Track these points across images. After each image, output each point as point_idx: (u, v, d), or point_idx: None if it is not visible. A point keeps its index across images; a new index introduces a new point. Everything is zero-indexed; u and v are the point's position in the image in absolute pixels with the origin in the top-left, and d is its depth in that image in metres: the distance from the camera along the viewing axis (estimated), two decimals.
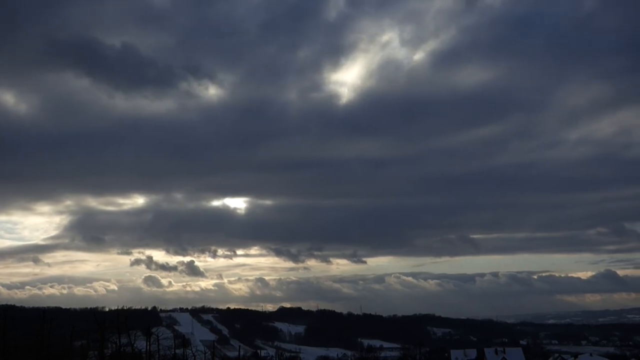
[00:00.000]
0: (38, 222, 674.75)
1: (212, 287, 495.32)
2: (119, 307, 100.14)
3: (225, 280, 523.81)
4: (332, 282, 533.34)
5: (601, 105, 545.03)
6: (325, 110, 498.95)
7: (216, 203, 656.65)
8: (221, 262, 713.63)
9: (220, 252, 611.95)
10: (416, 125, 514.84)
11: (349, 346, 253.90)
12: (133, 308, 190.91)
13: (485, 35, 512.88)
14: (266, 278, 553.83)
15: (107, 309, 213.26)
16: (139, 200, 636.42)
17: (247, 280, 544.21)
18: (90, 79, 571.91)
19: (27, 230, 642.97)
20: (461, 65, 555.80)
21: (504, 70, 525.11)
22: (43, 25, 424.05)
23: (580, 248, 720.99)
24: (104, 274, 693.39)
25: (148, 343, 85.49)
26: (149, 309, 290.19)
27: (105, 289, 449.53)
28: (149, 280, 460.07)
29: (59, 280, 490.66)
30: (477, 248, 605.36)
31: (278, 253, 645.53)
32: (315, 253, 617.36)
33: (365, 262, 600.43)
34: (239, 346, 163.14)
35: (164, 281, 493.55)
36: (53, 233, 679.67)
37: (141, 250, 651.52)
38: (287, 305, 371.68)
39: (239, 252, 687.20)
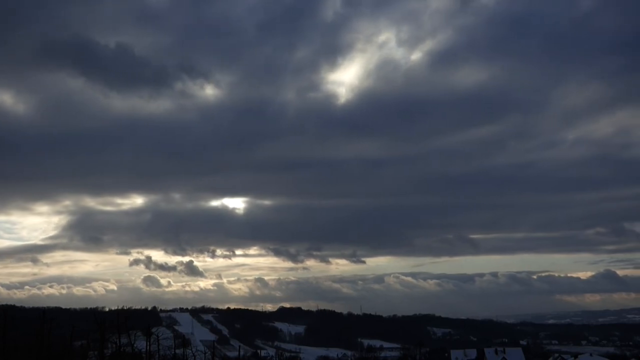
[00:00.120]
0: (37, 222, 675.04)
1: (212, 287, 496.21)
2: (119, 307, 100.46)
3: (225, 280, 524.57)
4: (332, 282, 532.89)
5: (599, 105, 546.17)
6: (323, 110, 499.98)
7: (215, 203, 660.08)
8: (220, 262, 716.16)
9: (219, 252, 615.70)
10: (414, 125, 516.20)
11: (349, 346, 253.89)
12: (133, 308, 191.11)
13: (482, 35, 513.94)
14: (265, 278, 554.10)
15: (107, 309, 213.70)
16: (137, 201, 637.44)
17: (247, 280, 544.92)
18: (88, 79, 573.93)
19: (26, 230, 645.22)
20: (459, 65, 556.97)
21: (502, 70, 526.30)
22: (40, 26, 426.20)
23: (579, 248, 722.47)
24: (103, 274, 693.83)
25: (148, 343, 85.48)
26: (149, 309, 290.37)
27: (105, 289, 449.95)
28: (148, 280, 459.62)
29: (58, 280, 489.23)
30: (476, 248, 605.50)
31: (277, 253, 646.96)
32: (315, 253, 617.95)
33: (364, 262, 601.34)
34: (239, 346, 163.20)
35: (163, 281, 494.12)
36: (52, 233, 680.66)
37: (140, 250, 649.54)
38: (287, 305, 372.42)
39: (238, 252, 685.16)
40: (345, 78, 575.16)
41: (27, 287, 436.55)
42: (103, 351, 68.21)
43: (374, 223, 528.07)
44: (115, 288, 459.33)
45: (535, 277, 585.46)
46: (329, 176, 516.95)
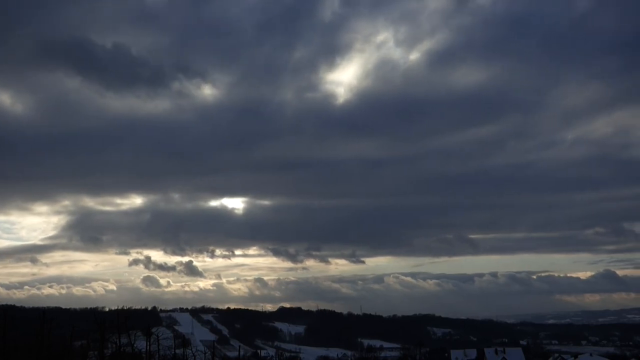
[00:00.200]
0: (36, 222, 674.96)
1: (211, 287, 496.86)
2: (119, 307, 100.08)
3: (224, 280, 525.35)
4: (331, 282, 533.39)
5: (598, 105, 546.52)
6: (322, 110, 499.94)
7: (214, 203, 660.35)
8: (219, 262, 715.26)
9: (218, 252, 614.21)
10: (413, 125, 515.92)
11: (349, 346, 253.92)
12: (133, 308, 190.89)
13: (480, 35, 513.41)
14: (265, 278, 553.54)
15: (107, 309, 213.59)
16: (136, 201, 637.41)
17: (246, 280, 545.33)
18: (87, 79, 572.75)
19: (25, 230, 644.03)
20: (457, 65, 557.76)
21: (501, 71, 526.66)
22: (38, 26, 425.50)
23: (578, 248, 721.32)
24: (103, 274, 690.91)
25: (148, 343, 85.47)
26: (149, 309, 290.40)
27: (104, 289, 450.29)
28: (147, 280, 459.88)
29: (57, 280, 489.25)
30: (475, 248, 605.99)
31: (276, 253, 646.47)
32: (314, 253, 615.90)
33: (363, 262, 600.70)
34: (239, 346, 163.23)
35: (163, 281, 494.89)
36: (51, 233, 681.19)
37: (139, 250, 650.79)
38: (287, 305, 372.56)
39: (237, 252, 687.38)
40: (344, 78, 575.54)
41: (26, 287, 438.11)
42: (103, 351, 68.19)
43: (373, 223, 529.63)
44: (114, 288, 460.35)
45: (534, 277, 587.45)
46: (328, 176, 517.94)
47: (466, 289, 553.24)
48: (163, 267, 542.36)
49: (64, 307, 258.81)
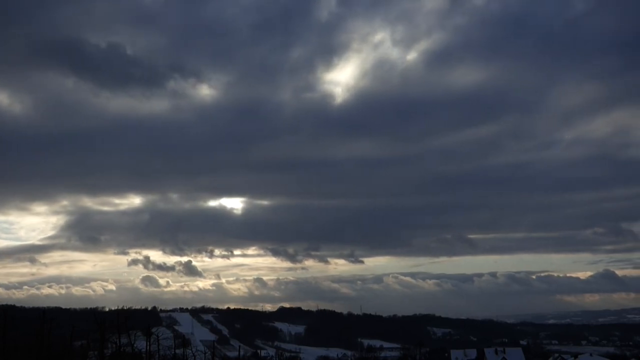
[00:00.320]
0: (34, 222, 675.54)
1: (211, 287, 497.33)
2: (119, 307, 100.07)
3: (224, 280, 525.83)
4: (331, 282, 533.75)
5: (596, 105, 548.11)
6: (320, 110, 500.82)
7: (212, 203, 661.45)
8: (219, 262, 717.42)
9: (217, 252, 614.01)
10: (411, 125, 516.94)
11: (349, 346, 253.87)
12: (133, 308, 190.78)
13: (478, 35, 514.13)
14: (264, 278, 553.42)
15: (107, 309, 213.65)
16: (135, 201, 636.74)
17: (245, 280, 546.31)
18: (85, 79, 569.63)
19: (24, 230, 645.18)
20: (455, 65, 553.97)
21: (499, 71, 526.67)
22: (33, 26, 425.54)
23: (578, 248, 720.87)
24: (102, 274, 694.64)
25: (148, 343, 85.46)
26: (149, 309, 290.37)
27: (104, 289, 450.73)
28: (146, 280, 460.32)
29: (56, 280, 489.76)
30: (474, 248, 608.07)
31: (275, 253, 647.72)
32: (313, 253, 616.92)
33: (363, 262, 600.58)
34: (239, 346, 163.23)
35: (162, 281, 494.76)
36: (50, 233, 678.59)
37: (138, 250, 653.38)
38: (287, 305, 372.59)
39: (236, 252, 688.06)
40: (342, 78, 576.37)
41: (25, 287, 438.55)
42: (103, 351, 68.18)
43: (372, 223, 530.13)
44: (114, 288, 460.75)
45: (534, 277, 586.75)
46: (326, 176, 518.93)
47: (466, 289, 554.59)
48: (162, 267, 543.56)
49: (63, 307, 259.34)
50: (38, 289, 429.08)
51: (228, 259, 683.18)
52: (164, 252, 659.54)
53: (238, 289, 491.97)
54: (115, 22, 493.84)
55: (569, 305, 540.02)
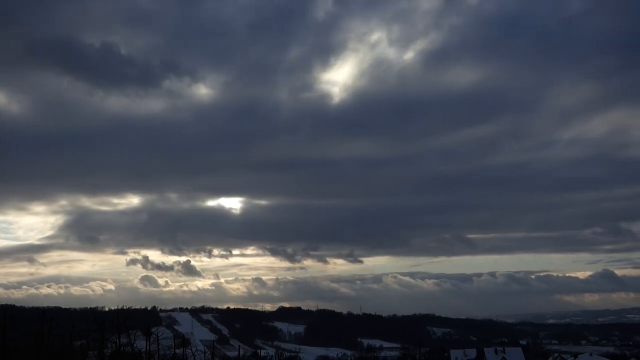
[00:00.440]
0: (33, 222, 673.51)
1: (210, 287, 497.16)
2: (119, 307, 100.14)
3: (223, 280, 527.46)
4: (330, 282, 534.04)
5: (594, 105, 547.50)
6: (318, 110, 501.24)
7: (211, 203, 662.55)
8: (218, 262, 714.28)
9: (216, 252, 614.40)
10: (409, 125, 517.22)
11: (349, 346, 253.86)
12: (133, 308, 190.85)
13: (475, 35, 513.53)
14: (264, 278, 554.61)
15: (107, 309, 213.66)
16: (134, 201, 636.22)
17: (245, 280, 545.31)
18: (84, 79, 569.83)
19: (22, 230, 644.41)
20: (452, 65, 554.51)
21: (496, 71, 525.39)
22: (32, 26, 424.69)
23: (577, 248, 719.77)
24: (101, 274, 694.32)
25: (148, 343, 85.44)
26: (149, 309, 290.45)
27: (103, 289, 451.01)
28: (146, 280, 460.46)
29: (55, 280, 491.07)
30: (474, 248, 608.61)
31: (274, 253, 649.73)
32: (312, 253, 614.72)
33: (362, 262, 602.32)
34: (239, 346, 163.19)
35: (161, 281, 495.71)
36: (48, 233, 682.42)
37: (137, 250, 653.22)
38: (286, 305, 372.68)
39: (235, 252, 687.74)
40: (339, 78, 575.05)
41: (24, 287, 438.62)
42: (103, 351, 68.16)
43: (371, 223, 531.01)
44: (113, 288, 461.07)
45: (533, 277, 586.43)
46: (325, 176, 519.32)
47: (465, 289, 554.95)
48: (161, 267, 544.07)
49: (63, 307, 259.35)
50: (37, 289, 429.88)
51: (227, 259, 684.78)
52: (163, 252, 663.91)
53: (237, 289, 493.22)
54: (113, 23, 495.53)
55: (569, 305, 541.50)
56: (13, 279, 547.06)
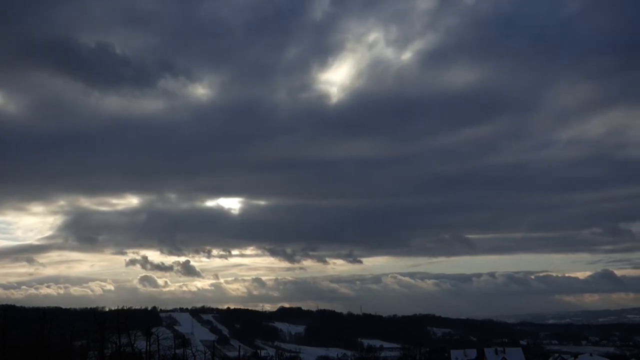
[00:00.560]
0: (32, 222, 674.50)
1: (209, 287, 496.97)
2: (118, 307, 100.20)
3: (222, 280, 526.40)
4: (329, 282, 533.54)
5: (592, 105, 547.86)
6: (316, 110, 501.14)
7: (210, 203, 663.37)
8: (217, 262, 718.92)
9: (215, 252, 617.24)
10: (408, 125, 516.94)
11: (349, 346, 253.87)
12: (133, 308, 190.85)
13: (473, 35, 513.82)
14: (263, 278, 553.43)
15: (106, 309, 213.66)
16: (132, 201, 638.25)
17: (244, 280, 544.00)
18: (81, 79, 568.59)
19: (21, 230, 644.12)
20: (450, 65, 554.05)
21: (494, 71, 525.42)
22: (28, 26, 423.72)
23: (576, 248, 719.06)
24: (100, 274, 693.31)
25: (148, 343, 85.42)
26: (149, 309, 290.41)
27: (102, 289, 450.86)
28: (145, 280, 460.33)
29: (55, 280, 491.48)
30: (473, 248, 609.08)
31: (273, 253, 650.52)
32: (311, 253, 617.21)
33: (361, 262, 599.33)
34: (239, 346, 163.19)
35: (160, 281, 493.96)
36: (47, 233, 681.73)
37: (136, 250, 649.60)
38: (286, 305, 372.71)
39: (234, 252, 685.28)
40: (337, 78, 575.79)
41: (24, 287, 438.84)
42: (103, 351, 68.15)
43: (369, 223, 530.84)
44: (112, 288, 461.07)
45: (533, 277, 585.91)
46: (324, 176, 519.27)
47: (465, 289, 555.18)
48: (160, 267, 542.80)
49: (63, 307, 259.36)
50: (36, 289, 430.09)
51: (226, 259, 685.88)
52: (162, 252, 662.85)
53: (237, 289, 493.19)
54: (111, 23, 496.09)
55: (569, 305, 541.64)
56: (12, 279, 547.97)
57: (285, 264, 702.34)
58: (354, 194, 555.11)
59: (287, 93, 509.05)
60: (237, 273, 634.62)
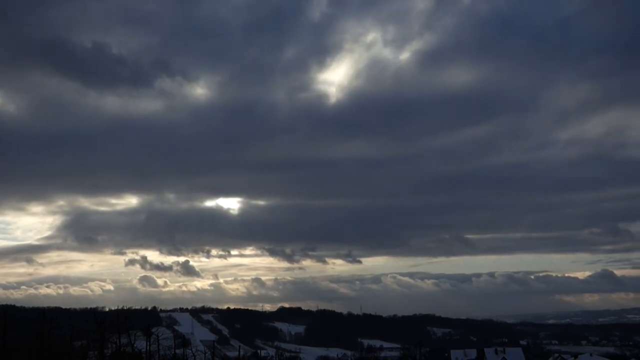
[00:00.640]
0: (31, 222, 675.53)
1: (209, 287, 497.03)
2: (118, 307, 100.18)
3: (222, 280, 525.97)
4: (329, 282, 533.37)
5: (591, 105, 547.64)
6: (315, 110, 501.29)
7: (209, 203, 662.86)
8: (216, 262, 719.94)
9: (214, 252, 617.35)
10: (407, 125, 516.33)
11: (349, 346, 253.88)
12: (133, 308, 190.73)
13: (472, 35, 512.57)
14: (263, 278, 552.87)
15: (106, 309, 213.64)
16: (132, 201, 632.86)
17: (244, 280, 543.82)
18: (81, 79, 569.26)
19: (20, 230, 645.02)
20: (449, 65, 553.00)
21: (493, 71, 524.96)
22: (24, 25, 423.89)
23: (576, 248, 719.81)
24: (100, 274, 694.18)
25: (148, 343, 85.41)
26: (149, 309, 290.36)
27: (102, 289, 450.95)
28: (144, 280, 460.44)
29: (54, 280, 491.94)
30: (473, 248, 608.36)
31: (272, 253, 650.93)
32: (310, 253, 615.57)
33: (361, 262, 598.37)
34: (239, 346, 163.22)
35: (160, 281, 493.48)
36: (46, 233, 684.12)
37: (135, 250, 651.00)
38: (286, 305, 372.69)
39: (234, 252, 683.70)
40: (335, 78, 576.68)
41: (23, 287, 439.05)
42: (103, 351, 68.13)
43: (369, 223, 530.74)
44: (112, 288, 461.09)
45: (532, 277, 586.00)
46: (323, 176, 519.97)
47: (464, 289, 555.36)
48: (159, 267, 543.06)
49: (63, 307, 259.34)
50: (36, 289, 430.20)
51: (225, 259, 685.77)
52: (161, 252, 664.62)
53: (236, 289, 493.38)
54: (110, 23, 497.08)
55: (569, 305, 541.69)
56: (11, 279, 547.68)
57: (284, 264, 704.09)
58: (354, 194, 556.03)
59: (285, 93, 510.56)
60: (237, 273, 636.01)
